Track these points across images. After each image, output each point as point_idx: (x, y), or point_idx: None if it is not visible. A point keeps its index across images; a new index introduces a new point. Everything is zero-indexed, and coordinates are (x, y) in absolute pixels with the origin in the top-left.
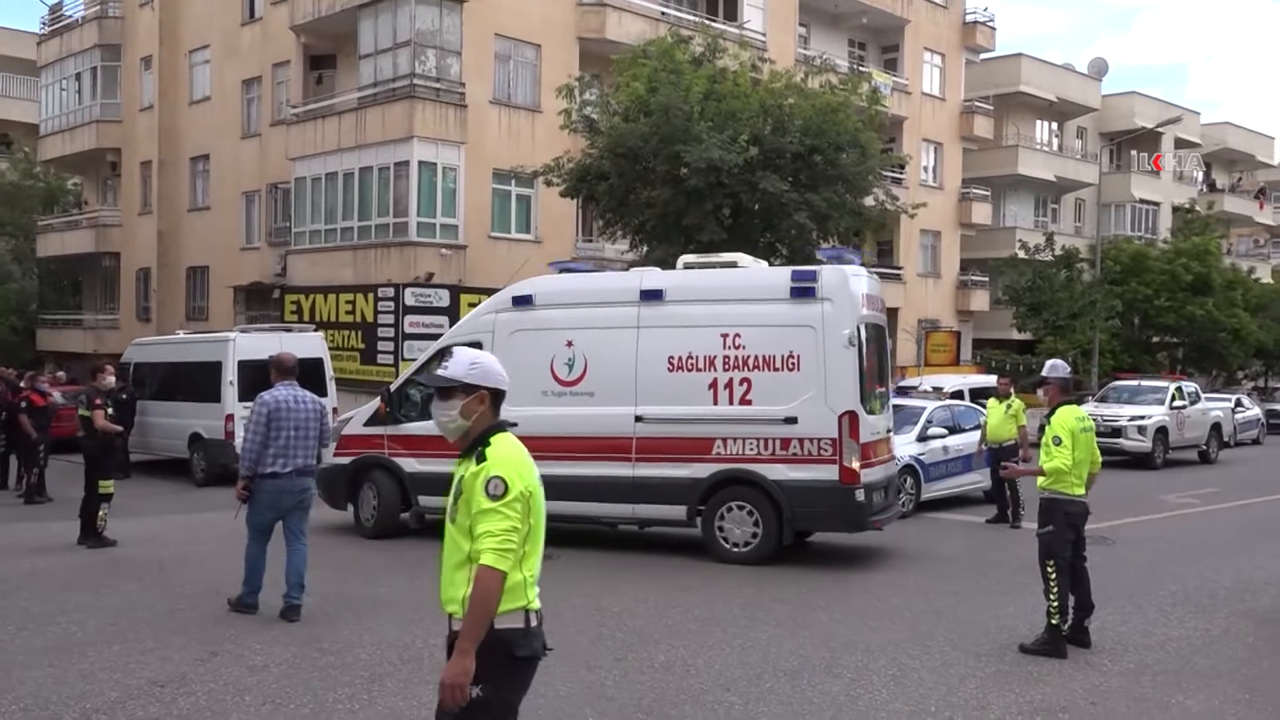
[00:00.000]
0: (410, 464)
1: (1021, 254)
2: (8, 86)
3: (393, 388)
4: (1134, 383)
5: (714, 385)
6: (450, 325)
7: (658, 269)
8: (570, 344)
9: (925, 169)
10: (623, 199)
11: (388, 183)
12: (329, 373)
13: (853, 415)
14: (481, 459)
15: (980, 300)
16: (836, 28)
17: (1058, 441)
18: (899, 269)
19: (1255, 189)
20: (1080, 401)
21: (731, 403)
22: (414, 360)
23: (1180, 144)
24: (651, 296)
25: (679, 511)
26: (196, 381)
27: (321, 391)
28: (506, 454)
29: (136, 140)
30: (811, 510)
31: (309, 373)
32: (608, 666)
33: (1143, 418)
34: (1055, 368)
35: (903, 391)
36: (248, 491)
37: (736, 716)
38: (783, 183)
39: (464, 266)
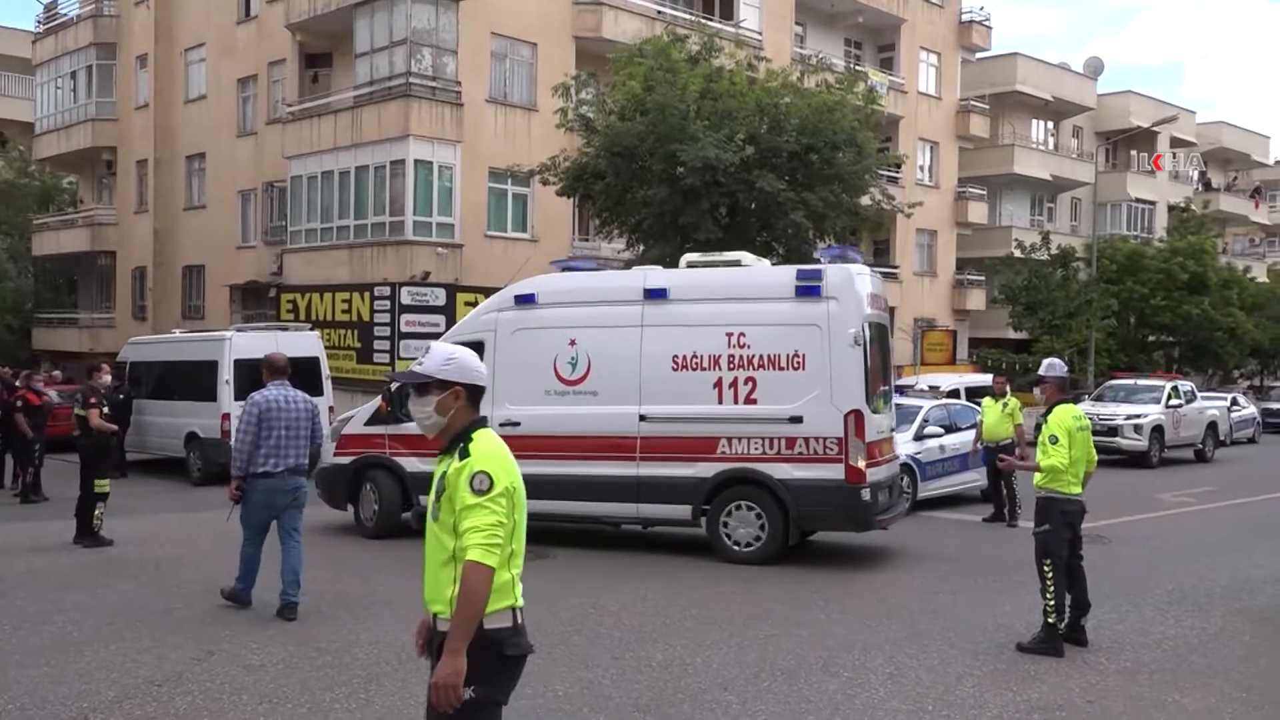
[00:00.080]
0: (412, 463)
1: (1017, 253)
2: (3, 85)
3: (394, 386)
4: (1130, 382)
5: (719, 384)
6: (447, 324)
7: (660, 268)
8: (573, 343)
9: (921, 168)
10: (619, 198)
11: (384, 181)
12: (325, 372)
13: (858, 414)
14: (465, 455)
15: (976, 299)
16: (833, 27)
17: (1054, 440)
18: (895, 268)
19: (1251, 188)
20: (1076, 400)
21: (736, 402)
22: (414, 359)
23: (1176, 143)
24: (656, 295)
25: (684, 511)
26: (193, 380)
27: (318, 390)
28: (490, 449)
29: (132, 139)
30: (817, 510)
31: (305, 372)
32: (605, 665)
33: (1139, 417)
34: (1053, 366)
35: (899, 390)
36: (240, 492)
37: (734, 715)
38: (779, 182)
39: (460, 265)
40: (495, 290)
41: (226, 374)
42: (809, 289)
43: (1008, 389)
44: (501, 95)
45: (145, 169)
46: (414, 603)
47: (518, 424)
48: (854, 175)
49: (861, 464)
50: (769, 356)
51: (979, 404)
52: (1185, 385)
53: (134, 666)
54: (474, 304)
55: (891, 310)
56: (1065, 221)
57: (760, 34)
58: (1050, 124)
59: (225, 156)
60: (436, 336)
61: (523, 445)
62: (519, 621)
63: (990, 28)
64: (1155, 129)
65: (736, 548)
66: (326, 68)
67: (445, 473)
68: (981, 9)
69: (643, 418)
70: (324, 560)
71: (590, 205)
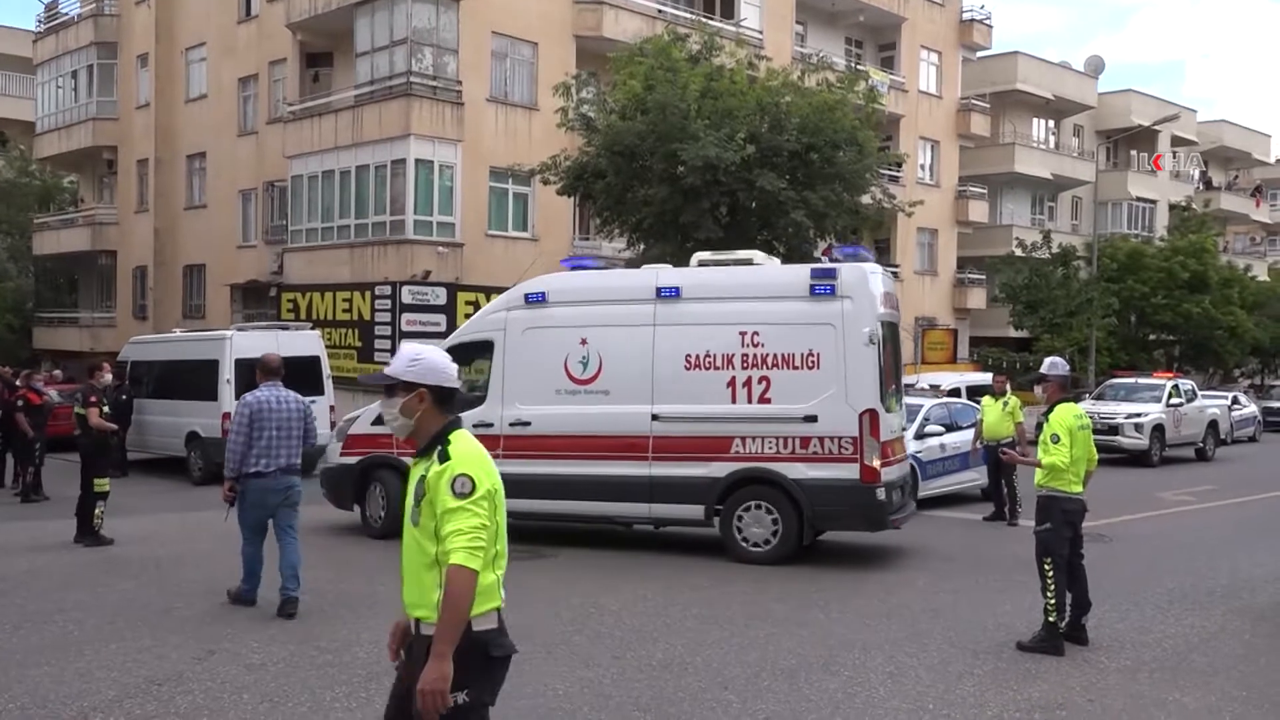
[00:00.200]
0: None
1: (1018, 252)
2: (4, 84)
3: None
4: (1131, 380)
5: (732, 383)
6: (447, 323)
7: (669, 266)
8: (584, 342)
9: (922, 167)
10: (620, 197)
11: (384, 181)
12: (326, 371)
13: (873, 414)
14: (445, 457)
15: (977, 298)
16: (833, 25)
17: (1056, 439)
18: (896, 267)
19: (1252, 187)
20: (1077, 399)
21: (750, 401)
22: None
23: (1177, 142)
24: (668, 294)
25: (696, 511)
26: (193, 380)
27: (319, 390)
28: (470, 451)
29: (133, 138)
30: (832, 509)
31: (306, 371)
32: (606, 664)
33: (1139, 415)
34: (1055, 365)
35: None
36: (233, 493)
37: (735, 714)
38: (780, 181)
39: (460, 265)
40: (496, 289)
41: (227, 373)
42: (823, 288)
43: (1008, 388)
44: (502, 94)
45: (146, 168)
46: None
47: (528, 424)
48: (855, 174)
49: (877, 463)
50: (783, 356)
51: (979, 403)
52: (1186, 384)
53: (135, 666)
54: (475, 303)
55: None
56: (1066, 220)
57: (761, 33)
58: (1051, 123)
59: (226, 156)
60: (438, 335)
61: (534, 445)
62: (503, 622)
63: (991, 26)
64: (1156, 128)
65: (750, 548)
66: (327, 67)
67: (424, 476)
68: (982, 8)
69: (655, 417)
70: (327, 560)
71: (591, 204)
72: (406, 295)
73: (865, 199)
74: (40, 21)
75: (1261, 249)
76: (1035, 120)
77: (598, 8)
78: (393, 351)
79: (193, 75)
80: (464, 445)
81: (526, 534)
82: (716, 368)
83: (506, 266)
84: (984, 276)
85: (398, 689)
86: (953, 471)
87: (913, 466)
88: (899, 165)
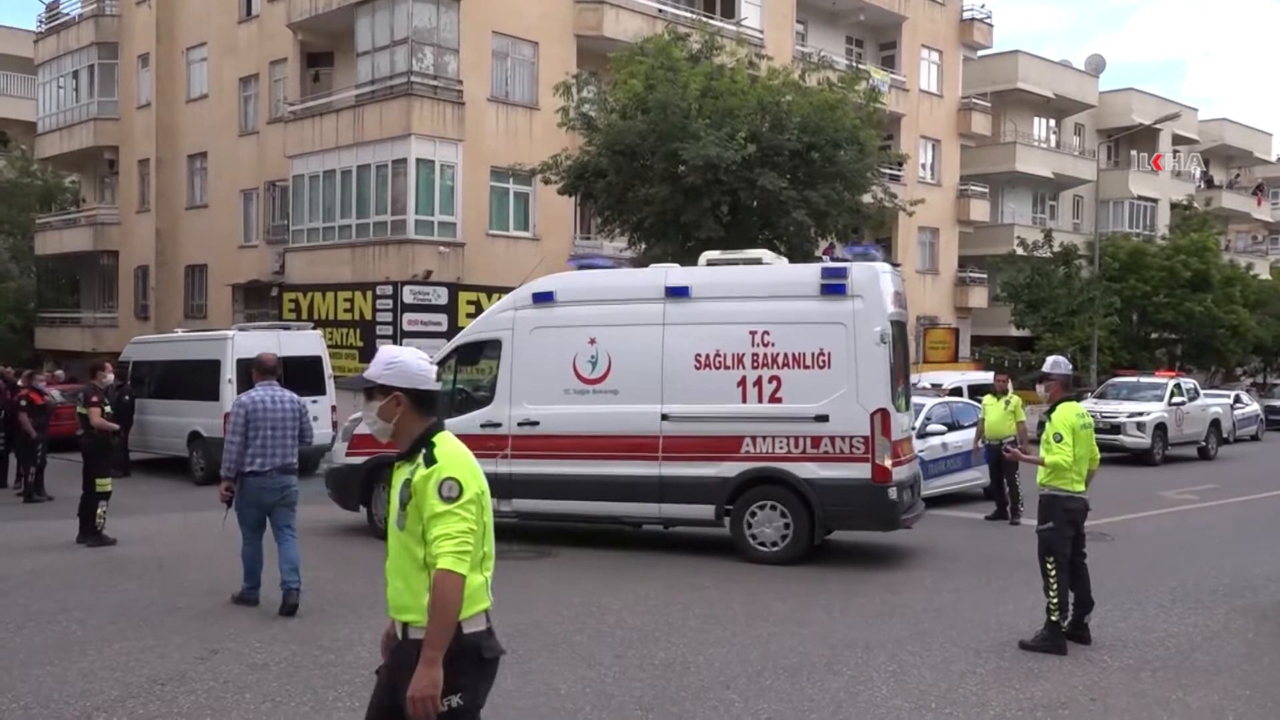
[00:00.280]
0: None
1: (1020, 251)
2: (5, 84)
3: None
4: (1133, 379)
5: (743, 383)
6: (449, 323)
7: (677, 265)
8: (593, 341)
9: (923, 166)
10: (621, 196)
11: (385, 180)
12: (328, 371)
13: (885, 413)
14: (431, 460)
15: (978, 297)
16: (834, 25)
17: (1059, 438)
18: (897, 266)
19: (1253, 185)
20: (1079, 398)
21: (761, 400)
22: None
23: (1178, 140)
24: (677, 293)
25: (706, 511)
26: (195, 380)
27: (320, 390)
28: (456, 454)
29: (134, 138)
30: (843, 509)
31: (308, 371)
32: (607, 664)
33: (1142, 414)
34: (1058, 364)
35: None
36: (230, 492)
37: (736, 713)
38: (781, 180)
39: (462, 264)
40: (497, 289)
41: (229, 373)
42: (834, 287)
43: (1009, 386)
44: (503, 94)
45: (147, 168)
46: None
47: (536, 423)
48: (856, 173)
49: (888, 463)
50: (794, 355)
51: (981, 402)
52: (1188, 383)
53: (137, 665)
54: (476, 303)
55: None
56: (1067, 219)
57: (761, 32)
58: (1052, 121)
59: (227, 156)
60: (439, 335)
61: (542, 445)
62: (491, 624)
63: (991, 25)
64: (1157, 126)
65: (761, 548)
66: (328, 67)
67: (410, 480)
68: (982, 7)
69: (665, 417)
70: (330, 560)
71: (592, 204)
72: (408, 295)
73: (866, 198)
74: (41, 21)
75: (1263, 247)
76: (1036, 119)
77: (598, 7)
78: None
79: (193, 75)
80: (449, 448)
81: (528, 533)
82: (727, 367)
83: (508, 266)
84: (985, 275)
85: (379, 692)
86: (955, 471)
87: None
88: (900, 164)
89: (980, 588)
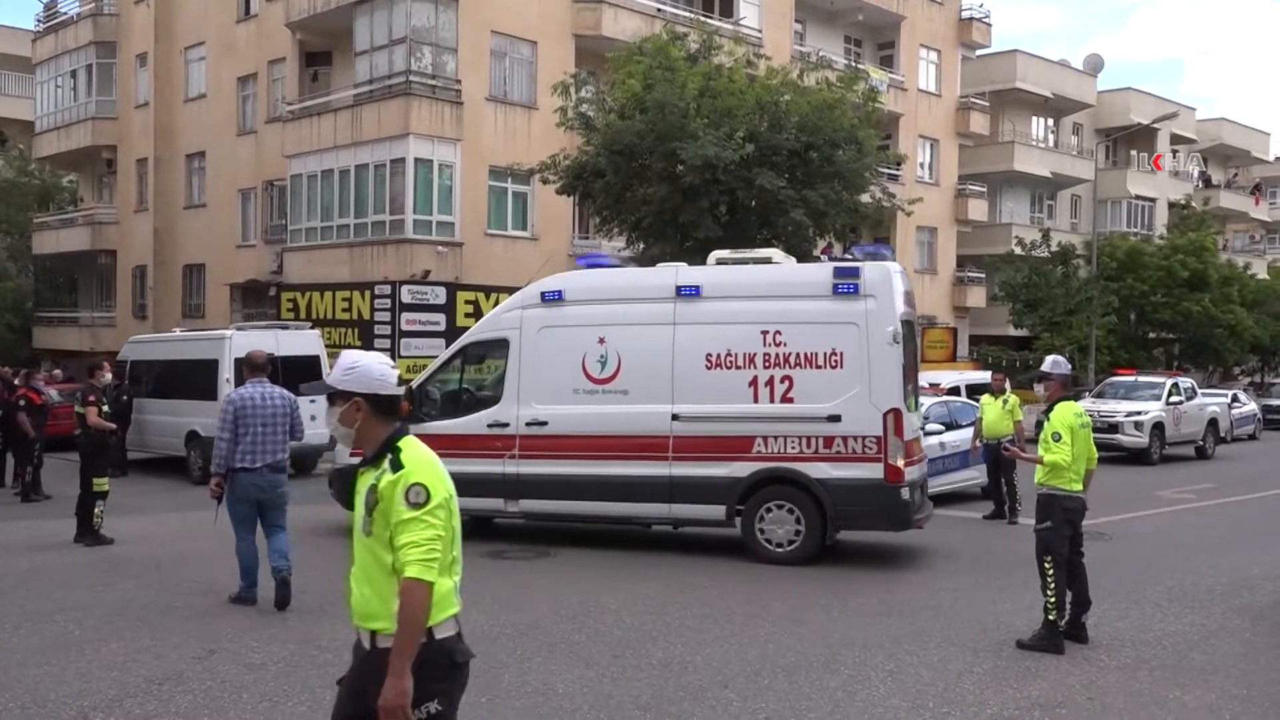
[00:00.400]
0: None
1: (1018, 250)
2: (3, 83)
3: (414, 385)
4: (1130, 379)
5: (754, 383)
6: (447, 322)
7: (685, 265)
8: (603, 341)
9: (921, 165)
10: (619, 196)
11: (384, 180)
12: (326, 370)
13: (897, 413)
14: (398, 466)
15: (977, 296)
16: (832, 24)
17: (1057, 437)
18: None
19: (1251, 184)
20: (1077, 397)
21: (773, 400)
22: (414, 357)
23: (1176, 140)
24: (688, 293)
25: (717, 511)
26: (193, 379)
27: None
28: (422, 459)
29: (132, 137)
30: (856, 509)
31: (306, 370)
32: (605, 664)
33: (1139, 413)
34: (1058, 364)
35: None
36: (219, 489)
37: (735, 713)
38: (779, 179)
39: (460, 264)
40: (495, 289)
41: (227, 372)
42: (847, 287)
43: (1007, 386)
44: (501, 93)
45: (145, 168)
46: None
47: (545, 423)
48: (854, 173)
49: (901, 463)
50: (806, 354)
51: (979, 401)
52: (1186, 382)
53: (135, 665)
54: (474, 303)
55: None
56: (1065, 219)
57: (760, 32)
58: (1050, 121)
59: (225, 155)
60: (438, 335)
61: (551, 445)
62: (460, 628)
63: (990, 25)
64: (1155, 126)
65: (773, 548)
66: (326, 66)
67: (375, 485)
68: (981, 6)
69: (675, 417)
70: (327, 560)
71: (590, 203)
72: (406, 294)
73: (865, 198)
74: (39, 21)
75: (1261, 247)
76: (1034, 119)
77: (597, 7)
78: (393, 351)
79: (192, 74)
80: (415, 452)
81: (527, 533)
82: (738, 367)
83: (506, 266)
84: (983, 275)
85: (341, 704)
86: (952, 470)
87: None
88: (898, 164)
89: (978, 587)
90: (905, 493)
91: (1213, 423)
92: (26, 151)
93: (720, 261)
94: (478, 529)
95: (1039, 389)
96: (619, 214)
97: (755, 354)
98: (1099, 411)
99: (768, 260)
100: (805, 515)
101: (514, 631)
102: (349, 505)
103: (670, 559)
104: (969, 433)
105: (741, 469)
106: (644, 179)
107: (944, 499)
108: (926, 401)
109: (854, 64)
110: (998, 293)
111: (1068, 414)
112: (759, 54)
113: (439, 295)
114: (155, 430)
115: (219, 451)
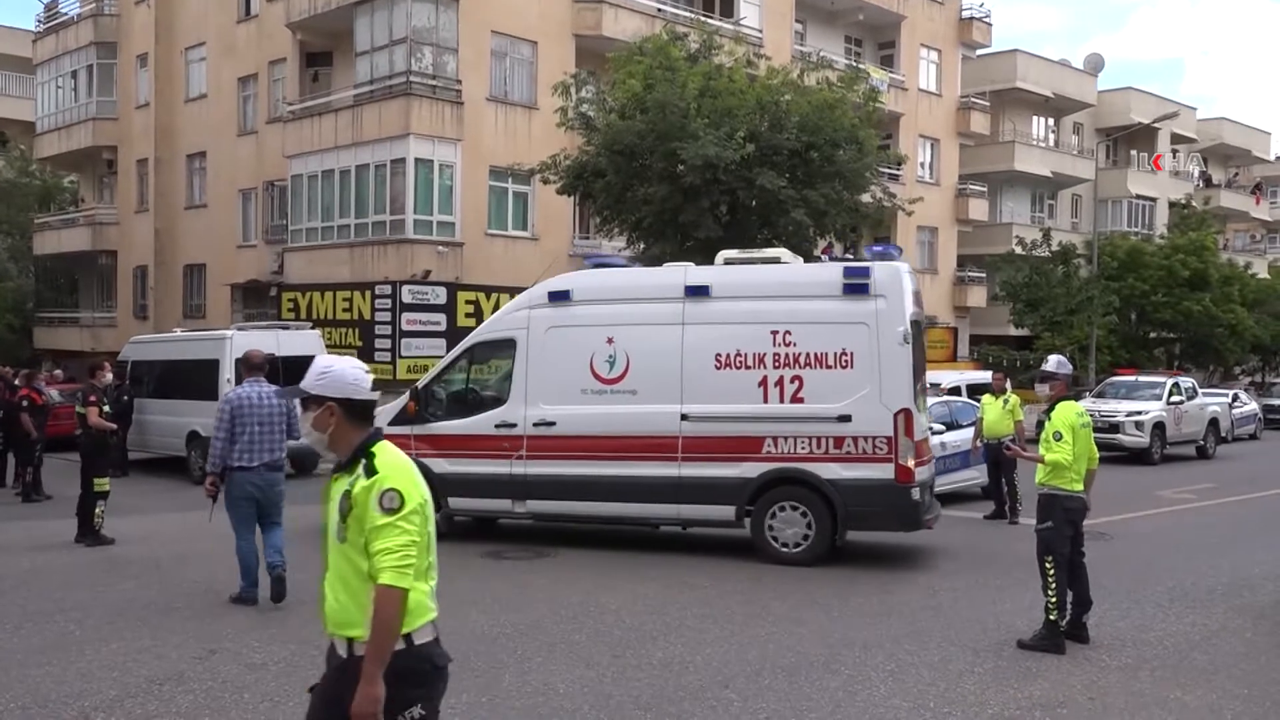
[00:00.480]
0: (440, 464)
1: (1018, 250)
2: (3, 84)
3: (420, 385)
4: (1131, 378)
5: (764, 383)
6: (447, 322)
7: (693, 265)
8: (611, 341)
9: (922, 165)
10: (619, 196)
11: (384, 180)
12: None
13: (908, 413)
14: (372, 471)
15: (977, 296)
16: (833, 24)
17: (1058, 437)
18: None
19: (1251, 184)
20: (1078, 397)
21: (782, 400)
22: (415, 357)
23: (1176, 139)
24: (697, 292)
25: (727, 512)
26: (194, 379)
27: None
28: (397, 464)
29: (133, 138)
30: (866, 510)
31: (307, 371)
32: (605, 664)
33: (1140, 413)
34: (1062, 364)
35: None
36: (215, 488)
37: (735, 713)
38: (780, 179)
39: (460, 264)
40: (496, 289)
41: (228, 373)
42: (857, 287)
43: (1008, 386)
44: (502, 94)
45: (146, 168)
46: None
47: (553, 424)
48: (855, 173)
49: (911, 463)
50: (816, 355)
51: (979, 401)
52: (1186, 382)
53: (135, 665)
54: (475, 303)
55: None
56: (1066, 218)
57: (760, 31)
58: (1051, 121)
59: (226, 155)
60: (438, 335)
61: (559, 445)
62: (438, 633)
63: (990, 24)
64: (1156, 125)
65: (782, 549)
66: (327, 66)
67: (349, 491)
68: (981, 6)
69: (685, 417)
70: None
71: (591, 203)
72: (406, 295)
73: (865, 197)
74: (40, 21)
75: (1261, 246)
76: (1035, 118)
77: (597, 7)
78: (393, 351)
79: (192, 75)
80: (389, 457)
81: (526, 533)
82: (748, 367)
83: (506, 266)
84: (984, 275)
85: (314, 712)
86: (953, 470)
87: None
88: (899, 164)
89: (978, 587)
90: (916, 493)
91: (1213, 422)
92: (27, 152)
93: (728, 261)
94: (478, 530)
95: (1041, 389)
96: (619, 214)
97: (765, 354)
98: (1100, 411)
99: (776, 260)
100: (815, 516)
101: (514, 631)
102: None
103: (670, 559)
104: (969, 433)
105: (751, 469)
106: (644, 179)
107: (945, 499)
108: (928, 401)
109: (854, 64)
110: (998, 292)
111: (1069, 413)
112: (759, 54)
113: (439, 295)
114: (156, 430)
115: (214, 451)
